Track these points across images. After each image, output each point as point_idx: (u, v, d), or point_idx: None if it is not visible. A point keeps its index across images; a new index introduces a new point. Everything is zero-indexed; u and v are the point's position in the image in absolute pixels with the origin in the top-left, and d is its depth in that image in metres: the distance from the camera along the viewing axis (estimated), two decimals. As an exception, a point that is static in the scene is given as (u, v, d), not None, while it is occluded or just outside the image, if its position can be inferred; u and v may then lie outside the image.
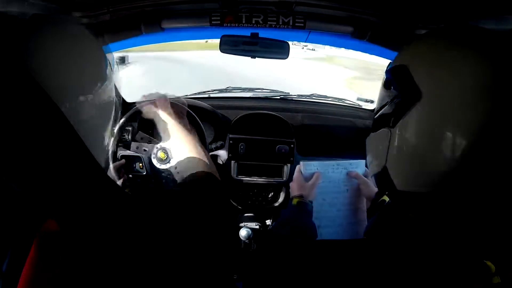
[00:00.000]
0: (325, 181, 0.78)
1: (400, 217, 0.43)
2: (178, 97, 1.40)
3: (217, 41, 0.98)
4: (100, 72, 0.48)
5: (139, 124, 1.06)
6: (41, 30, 0.43)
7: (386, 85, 0.42)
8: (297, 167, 0.81)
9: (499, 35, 0.36)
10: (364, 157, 0.83)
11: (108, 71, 0.51)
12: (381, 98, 0.45)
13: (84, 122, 0.44)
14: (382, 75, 0.45)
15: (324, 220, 0.75)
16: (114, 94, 0.54)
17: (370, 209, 0.77)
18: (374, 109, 1.63)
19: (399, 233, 0.41)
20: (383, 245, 0.40)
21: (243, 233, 1.13)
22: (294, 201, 0.72)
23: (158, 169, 1.02)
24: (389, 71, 0.42)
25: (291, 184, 0.79)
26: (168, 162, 1.02)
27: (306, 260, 0.40)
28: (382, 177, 0.43)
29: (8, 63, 0.35)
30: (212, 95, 1.48)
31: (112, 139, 0.55)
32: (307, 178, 0.77)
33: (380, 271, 0.37)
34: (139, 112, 1.07)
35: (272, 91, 1.57)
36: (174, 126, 0.77)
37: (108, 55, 0.54)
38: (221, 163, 1.22)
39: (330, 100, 1.53)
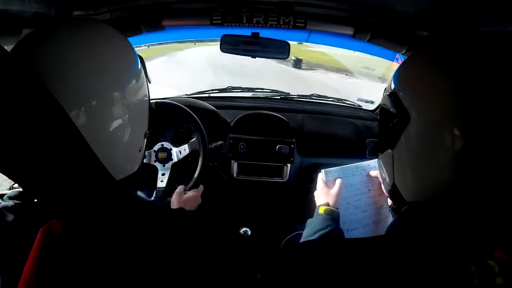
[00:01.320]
0: (347, 185, 0.79)
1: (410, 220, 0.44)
2: (179, 96, 1.40)
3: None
4: (130, 69, 0.48)
5: None
6: (67, 29, 0.43)
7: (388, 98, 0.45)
8: (319, 175, 0.81)
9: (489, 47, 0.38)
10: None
11: (139, 69, 0.50)
12: (382, 103, 0.47)
13: (119, 121, 0.45)
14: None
15: (352, 224, 0.77)
16: (147, 93, 0.53)
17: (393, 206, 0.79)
18: (374, 110, 1.62)
19: (409, 234, 0.42)
20: (392, 245, 0.40)
21: (241, 232, 1.13)
22: (321, 210, 0.73)
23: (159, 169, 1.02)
24: (388, 92, 0.45)
25: (315, 194, 0.79)
26: (170, 161, 1.01)
27: (324, 260, 0.41)
28: (394, 192, 0.46)
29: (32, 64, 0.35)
30: (212, 95, 1.47)
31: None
32: (330, 186, 0.78)
33: (384, 271, 0.37)
34: None
35: (273, 91, 1.57)
36: None
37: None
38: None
39: (330, 101, 1.53)
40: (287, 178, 1.23)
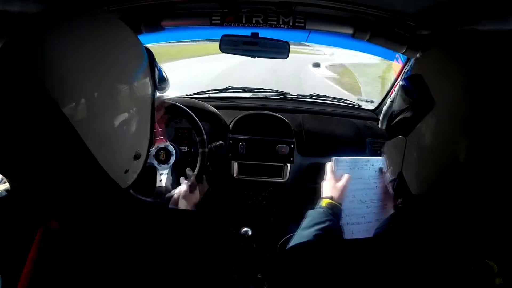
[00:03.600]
0: (356, 178, 0.78)
1: (410, 218, 0.44)
2: (178, 97, 1.40)
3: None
4: (135, 64, 0.44)
5: None
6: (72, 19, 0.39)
7: (404, 91, 0.44)
8: (328, 165, 0.79)
9: (491, 43, 0.38)
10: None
11: (144, 65, 0.47)
12: (398, 102, 0.46)
13: (122, 118, 0.41)
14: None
15: (354, 218, 0.76)
16: (151, 92, 0.48)
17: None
18: (374, 109, 1.60)
19: (407, 234, 0.42)
20: (390, 245, 0.40)
21: (242, 232, 1.13)
22: (323, 203, 0.71)
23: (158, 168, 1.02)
24: (407, 79, 0.43)
25: (322, 183, 0.77)
26: (170, 161, 1.01)
27: (314, 261, 0.40)
28: (398, 181, 0.45)
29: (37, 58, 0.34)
30: (212, 95, 1.47)
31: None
32: (337, 179, 0.76)
33: (383, 271, 0.37)
34: None
35: (272, 91, 1.57)
36: None
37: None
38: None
39: (330, 100, 1.53)
40: (287, 177, 1.23)
